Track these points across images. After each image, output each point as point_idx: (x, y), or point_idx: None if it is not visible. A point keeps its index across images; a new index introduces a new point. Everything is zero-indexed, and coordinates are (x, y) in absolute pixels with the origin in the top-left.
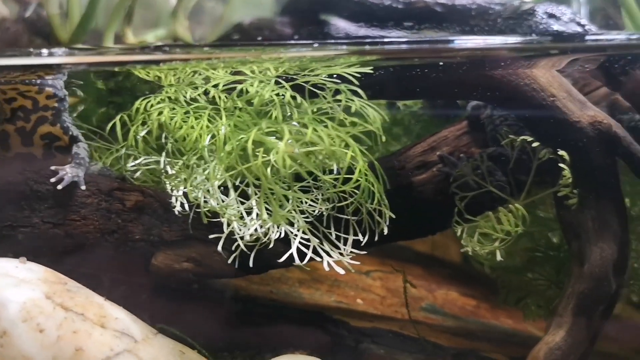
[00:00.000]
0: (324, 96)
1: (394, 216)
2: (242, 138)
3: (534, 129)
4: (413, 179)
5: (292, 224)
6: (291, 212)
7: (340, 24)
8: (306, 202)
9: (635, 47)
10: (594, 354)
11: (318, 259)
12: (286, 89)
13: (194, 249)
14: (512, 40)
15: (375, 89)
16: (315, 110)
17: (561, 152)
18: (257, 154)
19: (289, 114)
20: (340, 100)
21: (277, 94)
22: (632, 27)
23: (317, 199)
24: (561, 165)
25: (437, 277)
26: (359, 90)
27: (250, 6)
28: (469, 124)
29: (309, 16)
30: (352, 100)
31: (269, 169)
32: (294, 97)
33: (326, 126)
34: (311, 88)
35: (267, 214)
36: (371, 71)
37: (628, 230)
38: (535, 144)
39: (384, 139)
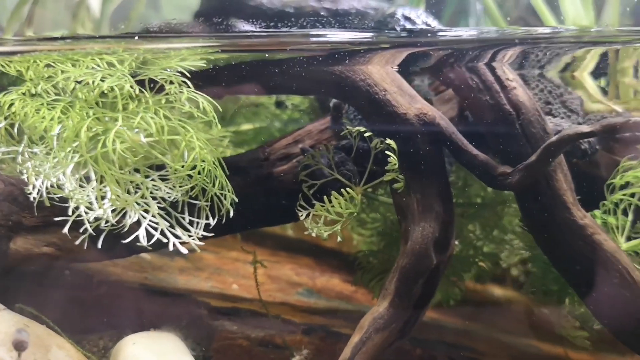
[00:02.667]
0: (162, 88)
1: (237, 200)
2: (77, 126)
3: (370, 121)
4: (275, 169)
5: (147, 210)
6: (144, 197)
7: (244, 26)
8: (163, 189)
9: (477, 41)
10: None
11: (165, 240)
12: (128, 81)
13: (55, 234)
14: (360, 35)
15: (220, 83)
16: (163, 101)
17: (389, 141)
18: (109, 143)
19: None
20: (181, 92)
21: (122, 86)
22: (490, 23)
23: (174, 186)
24: (388, 152)
25: (324, 266)
26: (188, 82)
27: (178, 9)
28: (332, 119)
29: (216, 19)
30: (182, 91)
31: (116, 156)
32: (132, 87)
33: (167, 117)
34: (157, 79)
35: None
36: (205, 65)
37: (452, 211)
38: (367, 134)
39: (219, 127)
